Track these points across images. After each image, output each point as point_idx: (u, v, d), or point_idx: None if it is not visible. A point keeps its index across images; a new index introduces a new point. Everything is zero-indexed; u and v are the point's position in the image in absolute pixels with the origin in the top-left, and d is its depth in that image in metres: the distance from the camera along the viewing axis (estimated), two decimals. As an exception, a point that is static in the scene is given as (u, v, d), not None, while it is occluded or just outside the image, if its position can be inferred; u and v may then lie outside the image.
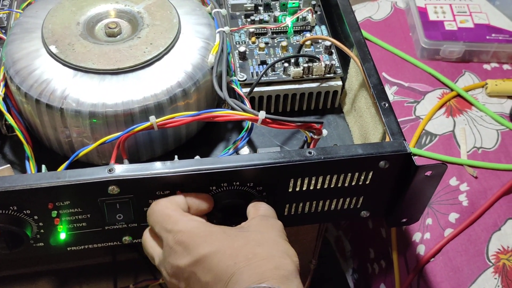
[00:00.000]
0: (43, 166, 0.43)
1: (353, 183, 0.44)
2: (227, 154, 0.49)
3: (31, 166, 0.47)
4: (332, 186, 0.44)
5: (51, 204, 0.40)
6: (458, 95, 0.74)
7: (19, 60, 0.47)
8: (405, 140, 0.43)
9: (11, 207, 0.40)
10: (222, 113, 0.44)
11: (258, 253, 0.36)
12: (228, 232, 0.38)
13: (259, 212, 0.42)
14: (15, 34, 0.49)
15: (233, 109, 0.45)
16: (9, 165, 0.47)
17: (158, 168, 0.41)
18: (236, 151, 0.49)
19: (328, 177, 0.43)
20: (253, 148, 0.52)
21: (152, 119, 0.44)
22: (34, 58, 0.47)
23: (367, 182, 0.44)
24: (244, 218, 0.44)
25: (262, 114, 0.43)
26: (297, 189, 0.44)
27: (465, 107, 0.73)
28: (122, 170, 0.40)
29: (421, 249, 0.61)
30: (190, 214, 0.41)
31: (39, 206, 0.40)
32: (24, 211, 0.40)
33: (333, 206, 0.47)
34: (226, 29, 0.52)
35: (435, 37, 0.77)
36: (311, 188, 0.44)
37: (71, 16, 0.50)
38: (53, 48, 0.47)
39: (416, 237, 0.62)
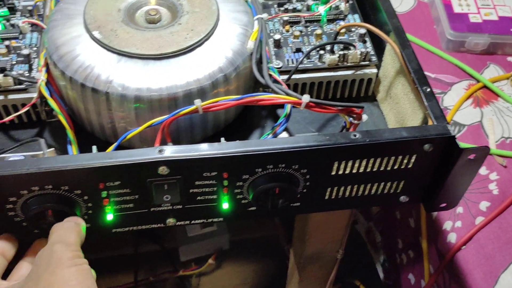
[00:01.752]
0: (94, 147, 0.44)
1: (396, 167, 0.45)
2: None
3: (73, 150, 0.48)
4: (374, 169, 0.45)
5: (102, 184, 0.41)
6: (485, 86, 0.74)
7: (62, 45, 0.48)
8: (448, 123, 0.43)
9: (62, 187, 0.40)
10: (266, 97, 0.45)
11: None
12: None
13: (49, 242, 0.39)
14: (56, 20, 0.50)
15: (276, 93, 0.46)
16: (53, 148, 0.48)
17: (206, 149, 0.41)
18: (275, 136, 0.50)
19: (371, 161, 0.44)
20: (290, 134, 0.52)
21: (197, 102, 0.44)
22: (77, 44, 0.48)
23: (410, 166, 0.45)
24: (286, 200, 0.45)
25: (306, 98, 0.44)
26: (340, 172, 0.44)
27: (492, 98, 0.73)
28: (172, 151, 0.41)
29: (452, 237, 0.62)
30: None
31: (90, 186, 0.41)
32: (75, 191, 0.41)
33: (373, 191, 0.47)
34: (265, 16, 0.52)
35: (460, 29, 0.78)
36: (354, 171, 0.44)
37: (111, 3, 0.51)
38: (96, 34, 0.48)
39: (447, 225, 0.63)
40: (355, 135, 0.42)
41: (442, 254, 0.63)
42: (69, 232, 0.40)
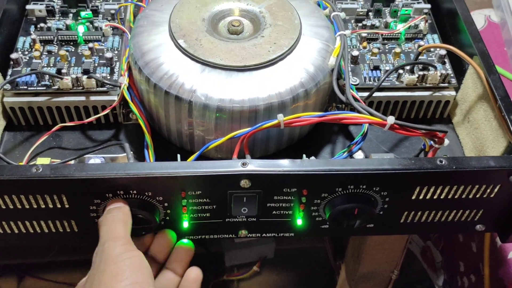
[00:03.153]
0: (179, 156, 0.44)
1: (478, 196, 0.44)
2: (342, 157, 0.49)
3: (149, 154, 0.49)
4: (456, 197, 0.44)
5: (184, 192, 0.41)
6: (557, 114, 0.72)
7: (148, 52, 0.48)
8: (537, 155, 0.42)
9: (146, 193, 0.41)
10: (350, 116, 0.44)
11: None
12: None
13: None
14: (142, 26, 0.51)
15: (359, 112, 0.45)
16: (132, 152, 0.48)
17: (289, 165, 0.41)
18: (350, 155, 0.49)
19: (454, 188, 0.43)
20: (364, 153, 0.52)
21: (280, 117, 0.44)
22: (163, 51, 0.48)
23: (492, 196, 0.44)
24: (363, 221, 0.45)
25: (391, 119, 0.43)
26: (421, 197, 0.43)
27: None
28: (255, 165, 0.41)
29: (518, 269, 0.60)
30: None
31: (172, 194, 0.41)
32: (157, 198, 0.42)
33: (450, 218, 0.46)
34: (347, 32, 0.52)
35: (534, 53, 0.76)
36: (435, 197, 0.44)
37: (196, 12, 0.51)
38: (182, 43, 0.48)
39: (513, 255, 0.61)
40: (441, 161, 0.41)
41: (505, 284, 0.61)
42: (114, 225, 0.39)
